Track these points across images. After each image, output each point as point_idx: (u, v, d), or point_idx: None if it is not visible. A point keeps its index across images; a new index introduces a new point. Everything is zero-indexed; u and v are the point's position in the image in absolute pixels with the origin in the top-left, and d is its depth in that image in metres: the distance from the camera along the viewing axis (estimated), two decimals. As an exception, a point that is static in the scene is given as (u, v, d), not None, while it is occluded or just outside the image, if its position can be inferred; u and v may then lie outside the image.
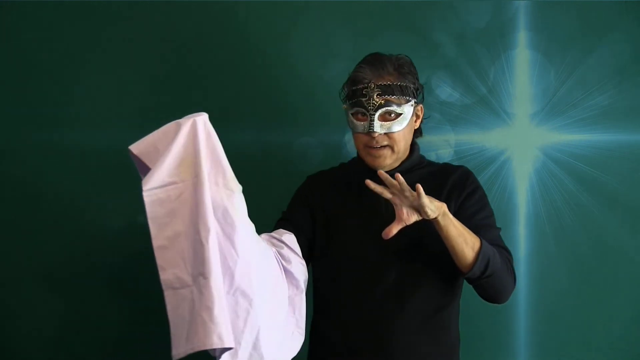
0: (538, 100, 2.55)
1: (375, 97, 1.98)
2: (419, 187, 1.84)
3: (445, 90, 2.54)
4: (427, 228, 1.92)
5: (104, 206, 2.55)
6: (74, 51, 2.55)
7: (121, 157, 2.50)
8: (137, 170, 1.81)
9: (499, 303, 2.04)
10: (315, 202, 2.12)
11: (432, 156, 2.53)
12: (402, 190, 1.87)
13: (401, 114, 2.00)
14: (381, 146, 2.02)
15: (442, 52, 2.54)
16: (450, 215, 1.90)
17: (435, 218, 1.88)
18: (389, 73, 2.01)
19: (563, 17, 2.54)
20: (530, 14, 2.54)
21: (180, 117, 1.69)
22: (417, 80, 2.07)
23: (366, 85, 1.99)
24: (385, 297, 2.02)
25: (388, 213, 1.96)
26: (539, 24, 2.54)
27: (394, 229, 1.88)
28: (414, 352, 2.02)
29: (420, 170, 2.11)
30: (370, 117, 1.98)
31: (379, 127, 1.99)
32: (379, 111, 1.98)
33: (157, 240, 1.74)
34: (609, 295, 2.57)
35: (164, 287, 1.73)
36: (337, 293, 2.05)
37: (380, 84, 1.99)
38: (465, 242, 1.89)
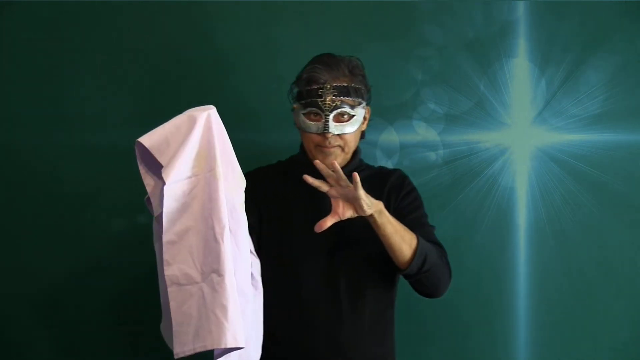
0: (538, 100, 2.55)
1: (331, 97, 1.98)
2: (356, 175, 1.84)
3: (444, 91, 2.54)
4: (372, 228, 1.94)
5: (104, 206, 2.55)
6: (72, 51, 2.55)
7: (120, 156, 2.53)
8: (137, 167, 1.79)
9: (435, 297, 2.05)
10: (260, 199, 2.09)
11: (430, 156, 2.53)
12: (337, 180, 1.87)
13: (354, 115, 2.02)
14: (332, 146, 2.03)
15: (442, 52, 2.54)
16: (387, 214, 1.91)
17: (372, 215, 1.88)
18: (343, 74, 2.02)
19: (564, 18, 2.54)
20: (530, 14, 2.54)
21: (173, 116, 1.67)
22: (367, 82, 2.08)
23: (322, 85, 1.99)
24: (337, 298, 2.02)
25: None
26: (539, 24, 2.54)
27: (328, 222, 1.88)
28: (366, 352, 2.03)
29: (360, 173, 2.12)
30: (325, 118, 1.99)
31: (333, 127, 1.99)
32: (334, 112, 1.99)
33: (167, 235, 1.70)
34: (609, 296, 2.56)
35: (167, 282, 1.70)
36: (286, 293, 2.04)
37: (336, 85, 1.99)
38: (402, 240, 1.91)
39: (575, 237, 2.55)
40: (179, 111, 2.52)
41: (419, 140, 2.53)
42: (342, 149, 2.05)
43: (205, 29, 2.56)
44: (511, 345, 2.57)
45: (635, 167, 2.54)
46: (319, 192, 1.92)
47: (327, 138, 2.00)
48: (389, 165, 2.46)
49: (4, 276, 2.56)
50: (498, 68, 2.54)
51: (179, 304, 1.70)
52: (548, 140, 2.55)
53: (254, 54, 2.55)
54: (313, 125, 2.01)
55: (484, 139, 2.55)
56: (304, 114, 2.02)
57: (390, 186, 2.11)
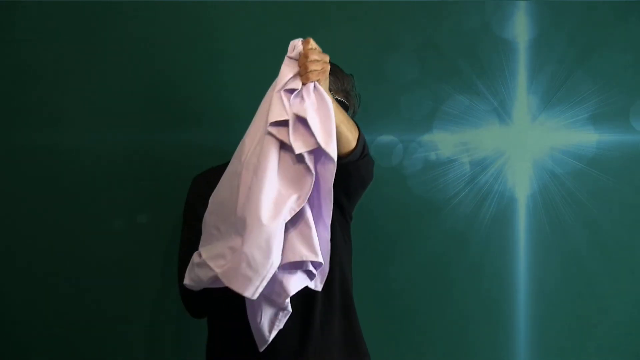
0: (538, 100, 2.55)
1: None
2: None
3: (444, 91, 2.54)
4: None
5: (104, 206, 2.55)
6: (72, 52, 2.55)
7: (120, 156, 2.53)
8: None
9: (369, 182, 2.04)
10: (204, 210, 1.92)
11: (431, 156, 2.53)
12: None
13: None
14: None
15: (441, 52, 2.54)
16: (336, 104, 1.87)
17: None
18: None
19: (563, 18, 2.54)
20: (530, 13, 2.54)
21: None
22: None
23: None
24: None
25: None
26: (538, 25, 2.54)
27: None
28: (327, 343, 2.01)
29: None
30: None
31: None
32: None
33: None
34: (610, 296, 2.56)
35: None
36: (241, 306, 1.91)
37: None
38: (349, 129, 1.88)
39: (574, 237, 2.55)
40: (180, 111, 2.55)
41: (419, 140, 2.54)
42: None
43: (205, 29, 2.56)
44: (511, 344, 2.57)
45: (635, 167, 2.54)
46: None
47: None
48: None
49: (4, 276, 2.56)
50: (498, 68, 2.54)
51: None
52: (548, 140, 2.55)
53: (254, 54, 2.56)
54: None
55: (484, 139, 2.55)
56: None
57: None
